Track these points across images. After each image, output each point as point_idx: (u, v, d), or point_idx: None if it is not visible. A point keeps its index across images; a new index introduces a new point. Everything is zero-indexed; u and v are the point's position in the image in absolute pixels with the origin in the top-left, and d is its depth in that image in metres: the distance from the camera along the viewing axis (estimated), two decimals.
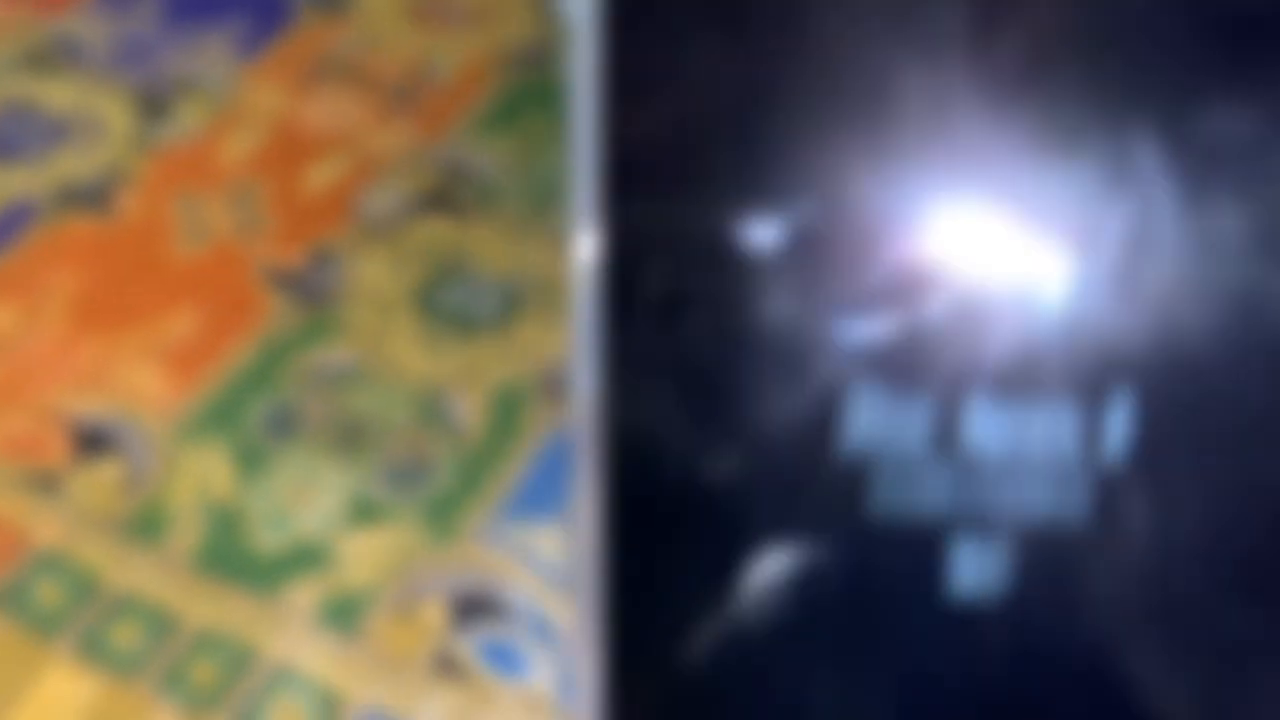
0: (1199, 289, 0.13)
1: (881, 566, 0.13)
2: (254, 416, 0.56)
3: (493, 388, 0.57)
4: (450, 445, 0.55)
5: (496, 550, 0.51)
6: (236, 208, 0.66)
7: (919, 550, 0.13)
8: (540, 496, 0.53)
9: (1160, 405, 0.14)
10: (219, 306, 0.61)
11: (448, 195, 0.67)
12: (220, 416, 0.56)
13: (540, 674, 0.47)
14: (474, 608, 0.49)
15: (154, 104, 0.70)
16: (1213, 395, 0.14)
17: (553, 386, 0.57)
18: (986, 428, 0.13)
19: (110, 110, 0.70)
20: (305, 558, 0.51)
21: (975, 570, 0.12)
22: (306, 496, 0.53)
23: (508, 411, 0.56)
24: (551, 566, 0.50)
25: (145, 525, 0.53)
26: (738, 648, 0.14)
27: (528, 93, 0.71)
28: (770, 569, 0.14)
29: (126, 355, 0.59)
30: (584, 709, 0.15)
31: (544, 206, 0.65)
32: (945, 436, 0.14)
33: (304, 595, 0.50)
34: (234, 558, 0.51)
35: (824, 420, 0.15)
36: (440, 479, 0.53)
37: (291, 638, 0.49)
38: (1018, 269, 0.14)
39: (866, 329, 0.15)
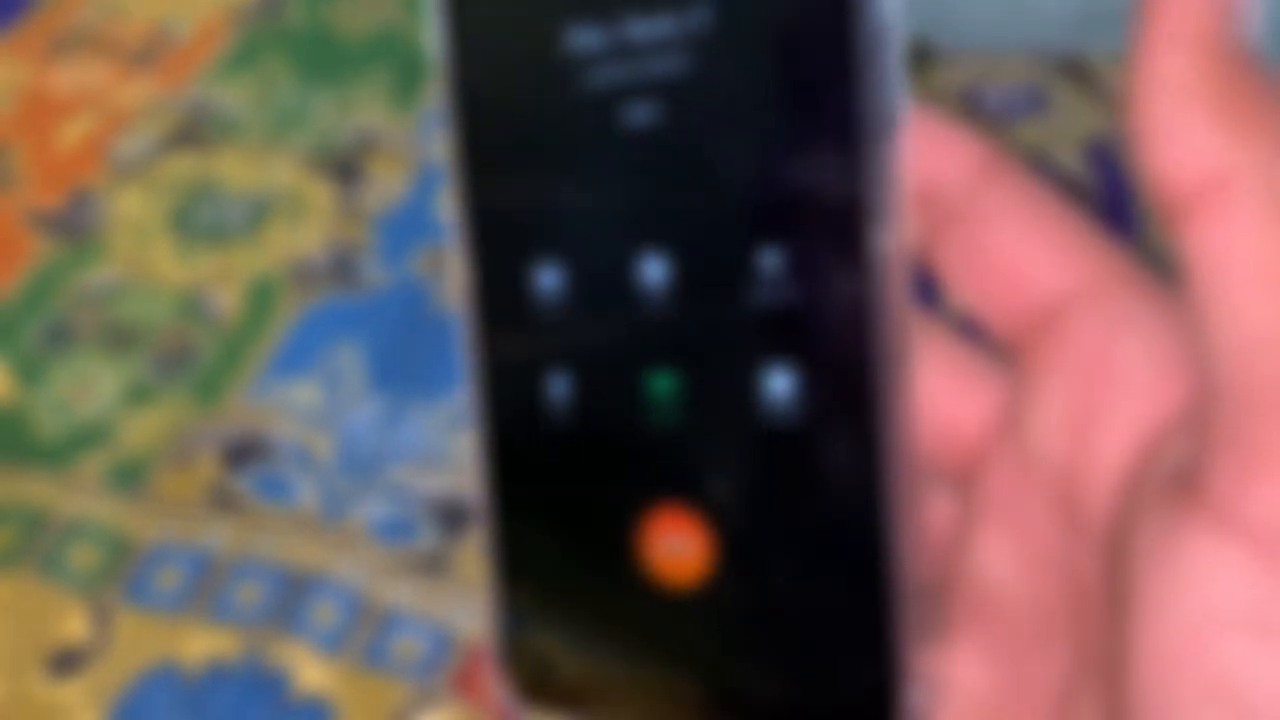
0: None
1: (578, 108, 0.18)
2: (30, 335, 0.62)
3: (247, 282, 0.64)
4: (211, 334, 0.61)
5: (260, 406, 0.58)
6: None
7: (601, 107, 0.19)
8: (296, 360, 0.60)
9: None
10: None
11: (193, 134, 0.73)
12: None
13: (306, 497, 0.54)
14: (243, 453, 0.56)
15: None
16: None
17: (303, 273, 0.64)
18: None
19: None
20: (88, 438, 0.57)
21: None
22: (85, 391, 0.60)
23: (261, 299, 0.63)
24: (309, 411, 0.57)
25: None
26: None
27: (262, 39, 0.78)
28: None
29: None
30: None
31: (284, 132, 0.72)
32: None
33: (90, 466, 0.56)
34: (23, 445, 0.57)
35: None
36: (205, 361, 0.60)
37: (82, 499, 0.55)
38: None
39: None
